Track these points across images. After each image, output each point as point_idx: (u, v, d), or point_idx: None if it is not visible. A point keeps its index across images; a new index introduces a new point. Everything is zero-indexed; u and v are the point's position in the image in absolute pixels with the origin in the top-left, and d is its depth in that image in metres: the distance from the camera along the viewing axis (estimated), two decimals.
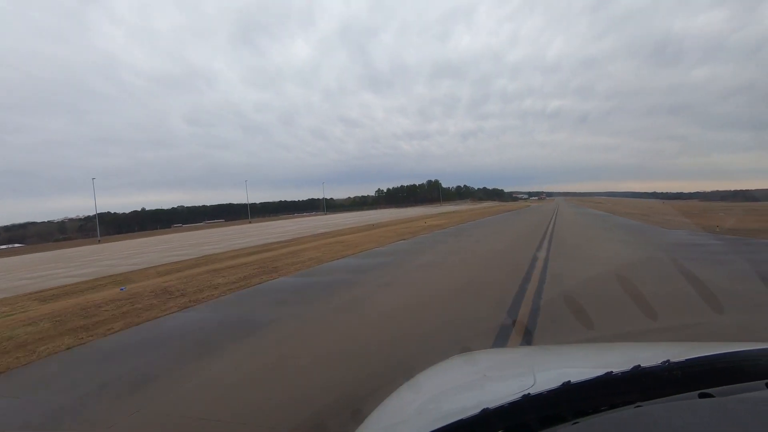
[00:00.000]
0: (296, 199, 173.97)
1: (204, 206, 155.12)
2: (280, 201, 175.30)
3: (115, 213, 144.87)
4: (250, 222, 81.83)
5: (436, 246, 11.47)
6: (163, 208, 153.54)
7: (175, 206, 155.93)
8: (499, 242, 11.81)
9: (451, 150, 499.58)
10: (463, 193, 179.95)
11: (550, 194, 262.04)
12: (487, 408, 0.66)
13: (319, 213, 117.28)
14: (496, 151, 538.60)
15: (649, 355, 1.07)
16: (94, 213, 69.13)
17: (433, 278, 6.80)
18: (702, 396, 0.67)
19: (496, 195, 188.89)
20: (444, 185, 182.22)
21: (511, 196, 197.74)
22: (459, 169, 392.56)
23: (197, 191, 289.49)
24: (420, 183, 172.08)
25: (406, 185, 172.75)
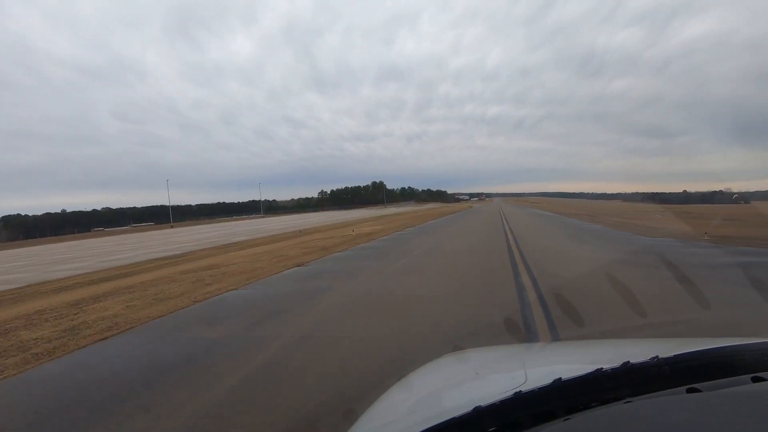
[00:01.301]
0: (237, 201, 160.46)
1: (133, 208, 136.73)
2: (218, 202, 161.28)
3: (25, 215, 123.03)
4: (171, 226, 71.75)
5: (340, 285, 6.79)
6: (85, 209, 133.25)
7: (99, 208, 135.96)
8: (450, 271, 7.50)
9: (397, 152, 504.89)
10: (407, 195, 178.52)
11: (489, 195, 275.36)
12: (479, 406, 0.66)
13: (258, 215, 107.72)
14: (439, 153, 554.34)
15: (638, 351, 1.07)
16: None
17: None
18: (690, 391, 0.67)
19: (440, 196, 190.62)
20: (389, 187, 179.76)
21: (453, 197, 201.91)
22: (404, 171, 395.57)
23: (128, 192, 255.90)
24: (365, 184, 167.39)
25: (350, 187, 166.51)
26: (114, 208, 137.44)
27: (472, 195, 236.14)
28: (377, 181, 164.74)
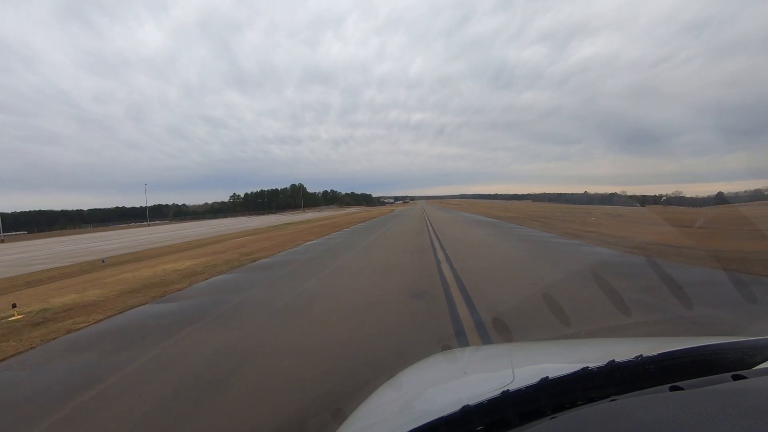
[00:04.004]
0: (140, 205, 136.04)
1: (5, 213, 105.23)
2: (116, 207, 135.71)
3: None
4: (2, 241, 53.48)
5: None
6: None
7: None
8: None
9: (324, 156, 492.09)
10: (329, 199, 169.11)
11: (413, 198, 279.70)
12: (468, 405, 0.66)
13: (146, 223, 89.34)
14: (365, 158, 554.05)
15: (623, 350, 1.08)
16: None
17: None
18: (673, 389, 0.68)
19: (364, 200, 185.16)
20: (315, 191, 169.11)
21: (379, 201, 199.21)
22: (331, 175, 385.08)
23: (5, 195, 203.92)
24: (283, 187, 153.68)
25: (267, 190, 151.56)
26: None
27: (396, 198, 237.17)
28: (297, 183, 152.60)
